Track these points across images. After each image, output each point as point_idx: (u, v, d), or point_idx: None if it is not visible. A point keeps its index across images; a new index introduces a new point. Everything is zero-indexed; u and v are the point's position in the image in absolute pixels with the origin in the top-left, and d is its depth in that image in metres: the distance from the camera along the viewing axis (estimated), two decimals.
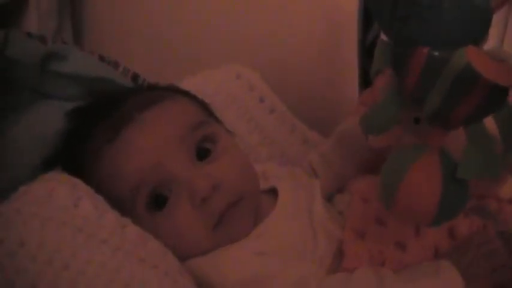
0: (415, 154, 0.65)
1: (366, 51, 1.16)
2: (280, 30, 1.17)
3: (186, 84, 0.98)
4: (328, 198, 0.92)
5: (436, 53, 0.61)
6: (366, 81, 1.11)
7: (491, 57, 0.60)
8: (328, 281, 0.74)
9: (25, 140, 0.87)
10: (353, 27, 1.06)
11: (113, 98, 0.86)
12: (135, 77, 1.04)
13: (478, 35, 0.63)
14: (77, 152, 0.82)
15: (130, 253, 0.70)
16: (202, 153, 0.81)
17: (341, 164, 0.92)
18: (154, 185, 0.77)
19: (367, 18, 1.14)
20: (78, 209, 0.71)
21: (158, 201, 0.77)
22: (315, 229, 0.82)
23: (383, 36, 0.69)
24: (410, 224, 0.76)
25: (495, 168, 0.63)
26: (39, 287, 0.64)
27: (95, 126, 0.81)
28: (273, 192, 0.88)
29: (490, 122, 0.64)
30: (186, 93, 0.91)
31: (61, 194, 0.72)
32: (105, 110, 0.83)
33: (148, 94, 0.86)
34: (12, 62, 0.89)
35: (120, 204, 0.76)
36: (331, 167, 0.93)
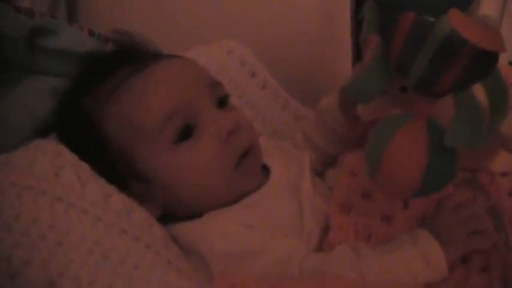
0: (400, 122, 0.63)
1: (359, 26, 1.15)
2: (274, 6, 1.16)
3: None
4: (320, 173, 0.91)
5: (423, 18, 0.59)
6: (359, 57, 1.10)
7: (477, 22, 0.58)
8: (310, 258, 0.74)
9: (15, 116, 0.86)
10: (346, 3, 1.04)
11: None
12: None
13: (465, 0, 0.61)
14: (92, 87, 0.81)
15: (112, 224, 0.70)
16: (222, 103, 0.83)
17: (322, 143, 0.91)
18: (185, 116, 0.78)
19: None
20: (59, 178, 0.70)
21: (186, 132, 0.78)
22: (302, 205, 0.81)
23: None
24: (395, 195, 0.74)
25: (483, 136, 0.62)
26: (15, 258, 0.62)
27: (118, 64, 0.82)
28: (264, 167, 0.87)
29: (478, 90, 0.63)
30: None
31: (42, 163, 0.71)
32: (129, 54, 0.85)
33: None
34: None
35: (140, 136, 0.77)
36: (313, 146, 0.92)
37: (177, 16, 1.20)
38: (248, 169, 0.80)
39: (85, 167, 0.74)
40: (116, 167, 0.78)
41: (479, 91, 0.62)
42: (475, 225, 0.73)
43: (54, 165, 0.72)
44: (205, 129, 0.78)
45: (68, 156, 0.74)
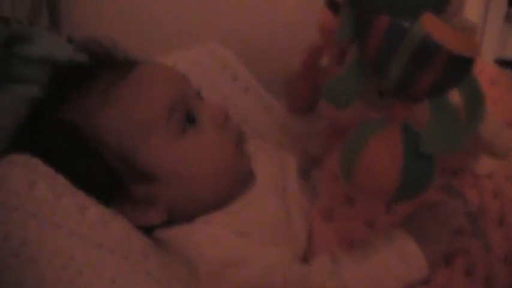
0: (375, 127, 0.63)
1: None
2: (256, 6, 1.15)
3: None
4: (304, 174, 0.90)
5: (397, 22, 0.58)
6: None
7: (452, 26, 0.57)
8: (293, 269, 0.74)
9: None
10: None
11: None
12: None
13: (440, 3, 0.60)
14: (71, 96, 0.79)
15: (87, 238, 0.69)
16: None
17: (306, 142, 0.92)
18: (185, 105, 0.79)
19: None
20: (32, 192, 0.69)
21: (189, 120, 0.80)
22: (288, 206, 0.81)
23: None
24: (371, 199, 0.74)
25: (459, 141, 0.61)
26: None
27: (99, 71, 0.81)
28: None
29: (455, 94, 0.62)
30: None
31: (14, 178, 0.70)
32: (107, 63, 0.84)
33: None
34: None
35: (147, 131, 0.76)
36: (296, 145, 0.92)
37: (159, 19, 1.19)
38: (244, 148, 0.84)
39: (60, 179, 0.73)
40: (113, 173, 0.76)
41: (455, 95, 0.62)
42: (456, 223, 0.73)
43: (28, 179, 0.70)
44: (203, 116, 0.80)
45: (43, 169, 0.73)
